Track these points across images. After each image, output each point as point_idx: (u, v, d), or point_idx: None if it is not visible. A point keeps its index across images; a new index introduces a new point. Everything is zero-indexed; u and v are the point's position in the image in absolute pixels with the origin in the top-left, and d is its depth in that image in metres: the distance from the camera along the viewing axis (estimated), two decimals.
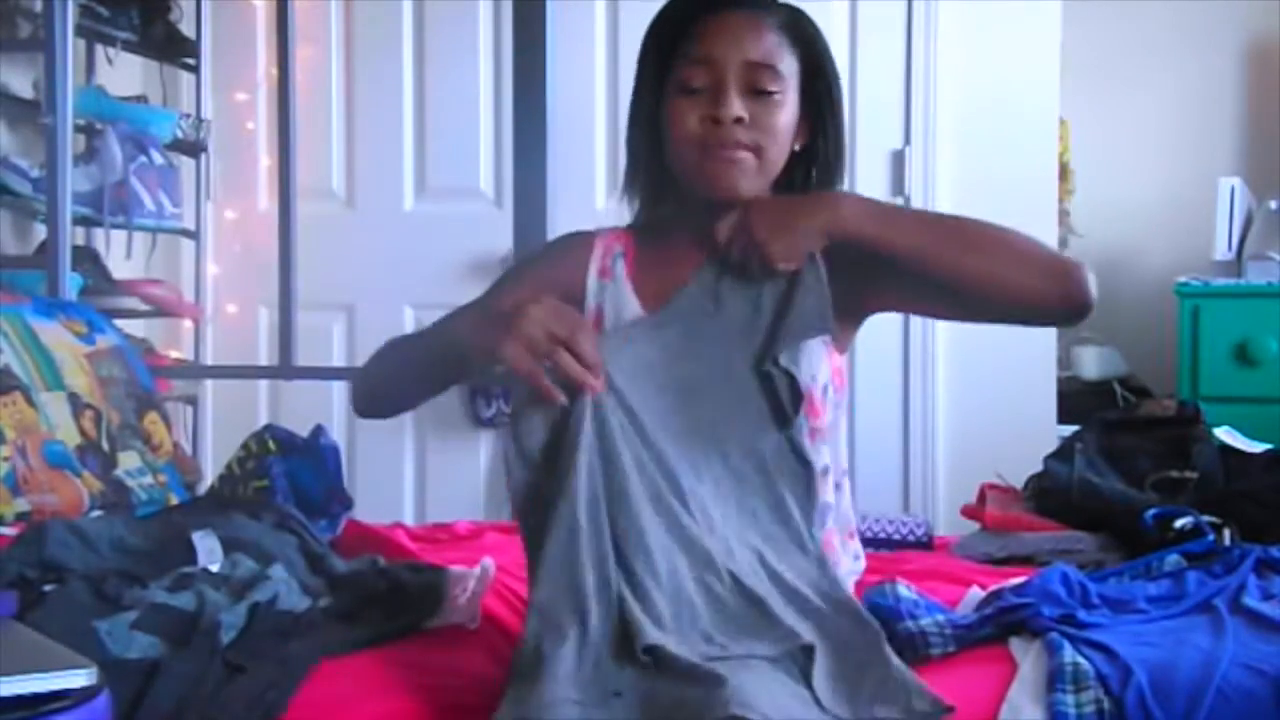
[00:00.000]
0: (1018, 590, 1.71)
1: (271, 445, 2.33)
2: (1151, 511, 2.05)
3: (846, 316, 1.59)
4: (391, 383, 1.70)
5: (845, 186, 1.67)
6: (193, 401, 3.64)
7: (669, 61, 1.56)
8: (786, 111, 1.55)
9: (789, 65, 1.56)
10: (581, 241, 1.69)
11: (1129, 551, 2.05)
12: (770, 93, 1.53)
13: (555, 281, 1.64)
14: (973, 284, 1.48)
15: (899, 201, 3.38)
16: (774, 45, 1.54)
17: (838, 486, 1.64)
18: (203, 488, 2.68)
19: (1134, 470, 2.29)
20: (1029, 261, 1.48)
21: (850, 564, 1.66)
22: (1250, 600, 1.66)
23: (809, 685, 1.32)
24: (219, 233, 3.70)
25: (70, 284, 2.92)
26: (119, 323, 2.80)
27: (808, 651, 1.36)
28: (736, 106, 1.52)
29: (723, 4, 1.56)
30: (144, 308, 3.44)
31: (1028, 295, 1.47)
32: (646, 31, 1.62)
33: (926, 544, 2.31)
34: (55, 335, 2.41)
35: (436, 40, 3.58)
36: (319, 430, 2.39)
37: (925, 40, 3.37)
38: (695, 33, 1.55)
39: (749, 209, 1.53)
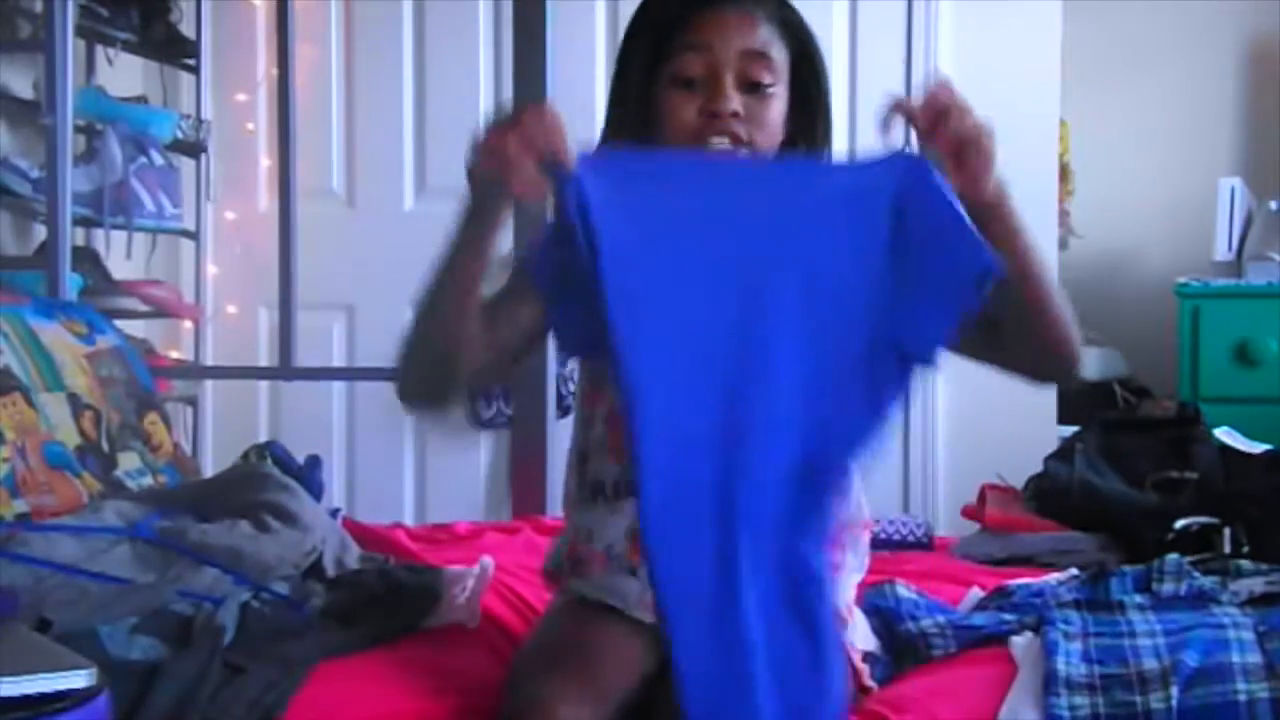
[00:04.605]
0: (1023, 591, 1.71)
1: (269, 462, 2.32)
2: (1179, 523, 2.05)
3: None
4: (427, 326, 1.59)
5: None
6: (193, 402, 3.63)
7: (661, 48, 1.54)
8: (779, 104, 1.55)
9: (781, 57, 1.55)
10: None
11: (1129, 552, 2.05)
12: (765, 85, 1.53)
13: None
14: (1043, 326, 1.46)
15: None
16: (768, 36, 1.55)
17: None
18: None
19: (1134, 471, 2.29)
20: (1074, 326, 1.46)
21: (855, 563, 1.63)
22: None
23: None
24: (219, 233, 3.70)
25: (70, 284, 2.91)
26: (119, 323, 2.79)
27: None
28: (734, 100, 1.51)
29: None
30: (144, 308, 3.43)
31: (1071, 353, 1.47)
32: (637, 12, 1.60)
33: (926, 544, 2.31)
34: (55, 336, 2.41)
35: (436, 40, 3.58)
36: (315, 462, 2.37)
37: (925, 40, 3.37)
38: (690, 22, 1.54)
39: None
